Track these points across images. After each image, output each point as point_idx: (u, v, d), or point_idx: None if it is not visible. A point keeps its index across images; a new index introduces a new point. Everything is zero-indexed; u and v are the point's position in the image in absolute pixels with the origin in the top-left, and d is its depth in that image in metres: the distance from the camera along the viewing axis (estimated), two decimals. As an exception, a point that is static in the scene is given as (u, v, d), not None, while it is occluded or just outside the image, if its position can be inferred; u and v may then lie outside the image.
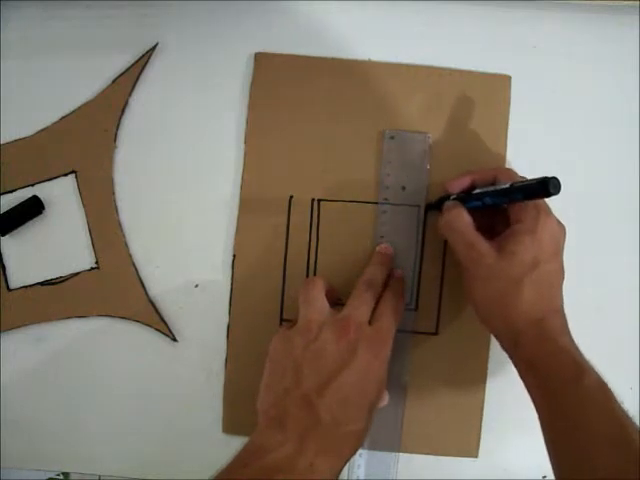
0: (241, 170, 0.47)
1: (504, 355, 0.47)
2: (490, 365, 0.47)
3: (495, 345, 0.47)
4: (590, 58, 0.48)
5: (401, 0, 0.47)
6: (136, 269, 0.47)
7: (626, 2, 0.46)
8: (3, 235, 0.47)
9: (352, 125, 0.47)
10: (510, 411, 0.47)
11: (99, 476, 0.53)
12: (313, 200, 0.47)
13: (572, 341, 0.39)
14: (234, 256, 0.47)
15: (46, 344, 0.48)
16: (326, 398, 0.37)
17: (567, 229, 0.47)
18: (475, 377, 0.47)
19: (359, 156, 0.47)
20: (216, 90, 0.48)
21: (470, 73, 0.47)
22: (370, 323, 0.40)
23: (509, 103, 0.47)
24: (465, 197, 0.43)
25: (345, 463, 0.38)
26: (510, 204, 0.41)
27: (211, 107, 0.47)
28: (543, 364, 0.39)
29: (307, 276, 0.47)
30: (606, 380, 0.38)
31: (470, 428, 0.47)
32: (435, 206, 0.46)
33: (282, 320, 0.47)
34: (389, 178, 0.47)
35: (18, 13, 0.48)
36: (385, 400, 0.42)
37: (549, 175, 0.37)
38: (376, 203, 0.47)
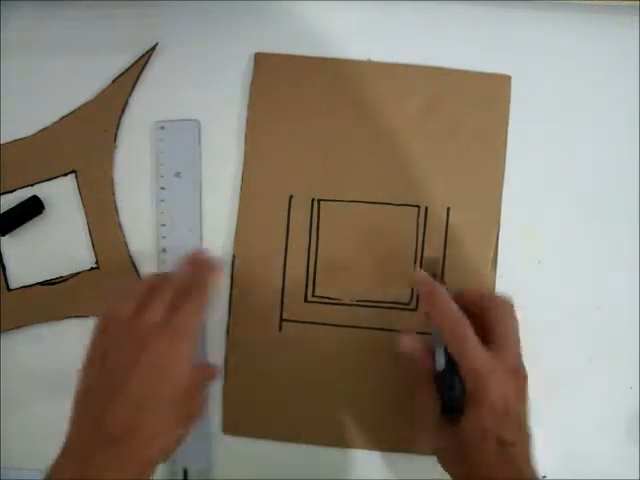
0: (241, 170, 0.47)
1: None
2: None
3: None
4: (590, 58, 0.48)
5: (401, 0, 0.47)
6: (136, 269, 0.47)
7: (626, 2, 0.46)
8: (3, 235, 0.47)
9: (352, 125, 0.47)
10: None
11: (99, 476, 0.53)
12: (313, 200, 0.47)
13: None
14: (234, 256, 0.47)
15: (46, 344, 0.48)
16: (116, 409, 0.36)
17: (567, 229, 0.47)
18: None
19: (359, 156, 0.47)
20: (216, 90, 0.48)
21: (470, 73, 0.47)
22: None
23: (509, 103, 0.47)
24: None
25: (153, 468, 0.37)
26: None
27: (211, 107, 0.47)
28: None
29: (307, 276, 0.47)
30: None
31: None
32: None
33: (282, 320, 0.47)
34: (163, 167, 0.47)
35: (18, 13, 0.48)
36: (214, 376, 0.42)
37: None
38: (376, 203, 0.47)
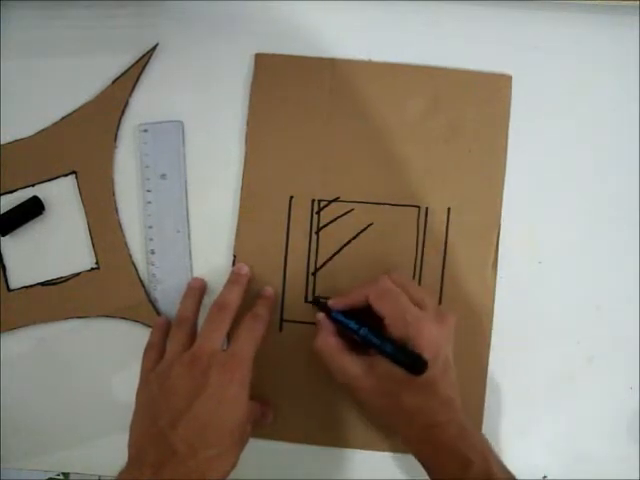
0: (241, 170, 0.47)
1: (503, 356, 0.47)
2: (490, 365, 0.47)
3: (495, 346, 0.47)
4: (590, 58, 0.48)
5: (401, 0, 0.47)
6: (136, 269, 0.47)
7: (626, 2, 0.46)
8: (3, 235, 0.47)
9: (352, 125, 0.47)
10: (510, 411, 0.47)
11: (99, 476, 0.53)
12: (313, 200, 0.47)
13: (460, 429, 0.40)
14: (234, 256, 0.47)
15: (46, 344, 0.48)
16: (179, 429, 0.38)
17: (567, 229, 0.47)
18: (476, 376, 0.47)
19: (359, 156, 0.47)
20: (216, 90, 0.48)
21: (470, 73, 0.47)
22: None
23: (509, 103, 0.47)
24: (341, 318, 0.43)
25: None
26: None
27: (211, 107, 0.47)
28: (430, 462, 0.41)
29: (307, 277, 0.47)
30: (501, 462, 0.40)
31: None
32: (318, 306, 0.45)
33: (282, 320, 0.47)
34: (148, 170, 0.47)
35: (18, 13, 0.48)
36: (268, 417, 0.45)
37: (421, 354, 0.39)
38: (376, 204, 0.47)
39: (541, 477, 0.47)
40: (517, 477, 0.39)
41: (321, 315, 0.44)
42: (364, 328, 0.42)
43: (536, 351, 0.47)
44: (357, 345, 0.42)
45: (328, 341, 0.42)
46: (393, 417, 0.42)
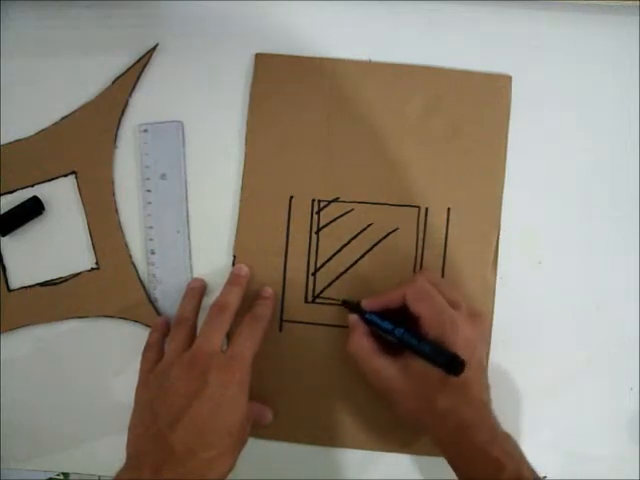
0: (241, 170, 0.47)
1: (503, 356, 0.47)
2: (490, 365, 0.47)
3: (494, 347, 0.47)
4: (590, 58, 0.48)
5: (402, 0, 0.47)
6: (136, 269, 0.47)
7: (626, 2, 0.46)
8: (3, 236, 0.47)
9: (352, 126, 0.47)
10: (510, 411, 0.47)
11: (99, 476, 0.53)
12: (313, 200, 0.47)
13: (493, 432, 0.40)
14: (234, 257, 0.47)
15: (46, 344, 0.48)
16: (179, 431, 0.38)
17: (567, 228, 0.47)
18: None
19: (359, 156, 0.47)
20: (216, 90, 0.47)
21: (470, 73, 0.47)
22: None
23: (509, 103, 0.47)
24: (375, 319, 0.42)
25: None
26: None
27: (211, 107, 0.47)
28: (461, 464, 0.40)
29: (307, 276, 0.47)
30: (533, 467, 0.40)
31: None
32: (349, 307, 0.45)
33: (282, 320, 0.47)
34: (148, 170, 0.47)
35: (18, 13, 0.48)
36: (267, 418, 0.45)
37: (456, 354, 0.39)
38: (376, 204, 0.47)
39: (541, 477, 0.47)
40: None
41: (354, 317, 0.43)
42: (399, 329, 0.41)
43: (536, 351, 0.47)
44: (388, 346, 0.42)
45: (362, 343, 0.42)
46: (426, 418, 0.41)
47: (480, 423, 0.40)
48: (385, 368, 0.41)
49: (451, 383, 0.39)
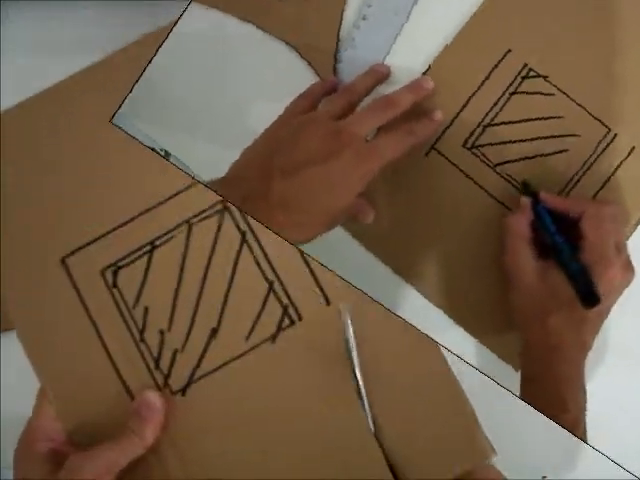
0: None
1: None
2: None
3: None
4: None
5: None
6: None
7: (626, 2, 0.46)
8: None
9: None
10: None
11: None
12: (525, 65, 0.45)
13: (578, 373, 0.40)
14: (429, 67, 0.46)
15: (46, 344, 0.48)
16: (286, 182, 0.38)
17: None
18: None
19: (597, 51, 0.44)
20: (216, 90, 0.48)
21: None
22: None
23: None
24: (545, 215, 0.42)
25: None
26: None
27: (211, 107, 0.48)
28: (532, 381, 0.41)
29: (478, 124, 0.45)
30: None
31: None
32: (526, 191, 0.44)
33: (433, 148, 0.46)
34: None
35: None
36: (367, 217, 0.44)
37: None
38: (577, 103, 0.44)
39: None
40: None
41: (527, 200, 0.42)
42: (560, 236, 0.41)
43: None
44: (539, 251, 0.42)
45: (521, 224, 0.42)
46: (530, 323, 0.41)
47: (570, 360, 0.40)
48: (527, 259, 0.41)
49: (574, 311, 0.39)
